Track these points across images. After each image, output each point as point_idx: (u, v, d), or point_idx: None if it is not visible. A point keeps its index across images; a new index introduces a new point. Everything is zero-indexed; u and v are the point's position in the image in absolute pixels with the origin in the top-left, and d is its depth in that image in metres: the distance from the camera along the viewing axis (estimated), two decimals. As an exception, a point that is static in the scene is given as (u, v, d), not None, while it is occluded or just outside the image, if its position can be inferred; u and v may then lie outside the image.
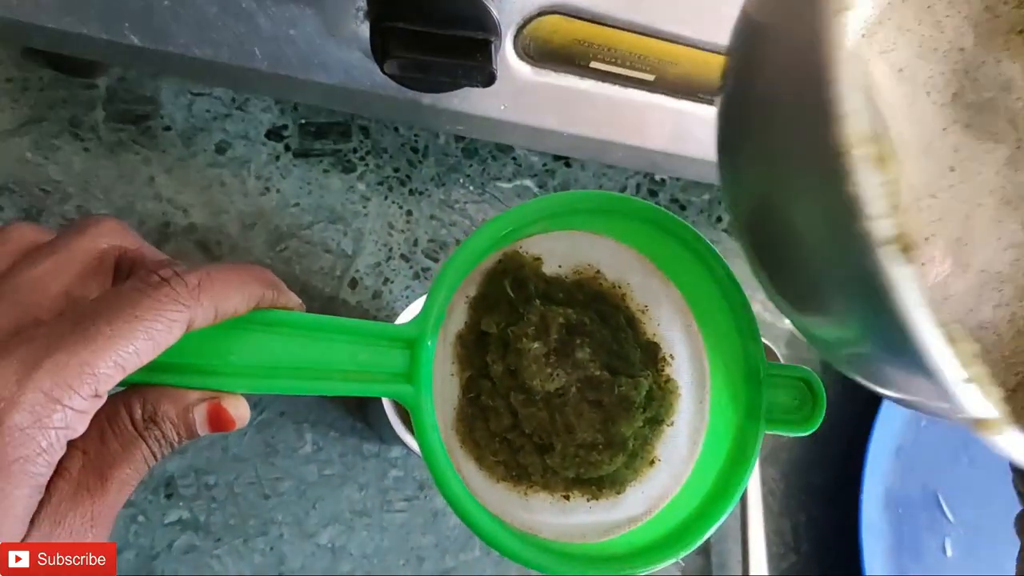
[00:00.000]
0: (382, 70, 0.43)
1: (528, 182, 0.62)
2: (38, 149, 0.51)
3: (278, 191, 0.56)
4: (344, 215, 0.57)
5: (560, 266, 0.39)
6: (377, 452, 0.55)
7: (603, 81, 0.50)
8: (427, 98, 0.49)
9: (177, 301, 0.27)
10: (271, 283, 0.31)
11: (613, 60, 0.48)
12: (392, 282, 0.57)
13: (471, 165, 0.61)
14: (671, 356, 0.40)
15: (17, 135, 0.51)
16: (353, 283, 0.57)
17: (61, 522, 0.27)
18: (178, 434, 0.30)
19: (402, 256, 0.58)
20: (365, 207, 0.57)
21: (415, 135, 0.59)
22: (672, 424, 0.39)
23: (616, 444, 0.37)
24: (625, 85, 0.50)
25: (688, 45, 0.48)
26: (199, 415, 0.30)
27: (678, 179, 0.66)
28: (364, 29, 0.44)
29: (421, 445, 0.33)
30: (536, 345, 0.37)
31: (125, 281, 0.29)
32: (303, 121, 0.57)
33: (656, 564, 0.35)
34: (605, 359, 0.38)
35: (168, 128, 0.54)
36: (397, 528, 0.55)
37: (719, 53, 0.48)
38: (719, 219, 0.67)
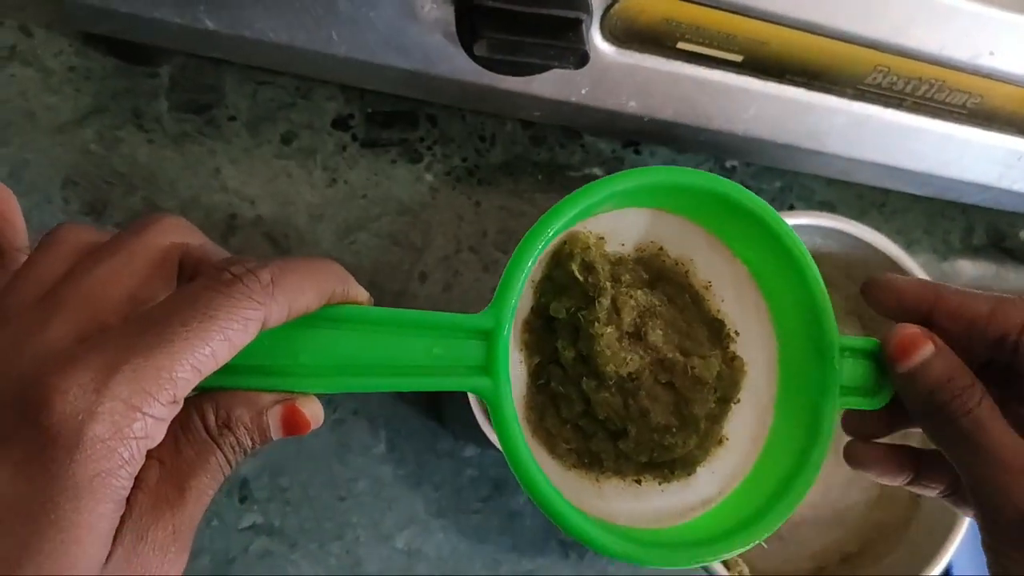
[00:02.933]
0: (470, 53, 0.41)
1: (597, 170, 0.60)
2: (102, 140, 0.50)
3: (345, 182, 0.54)
4: (412, 206, 0.55)
5: (623, 244, 0.38)
6: (451, 451, 0.53)
7: (689, 62, 0.48)
8: (506, 83, 0.47)
9: (251, 299, 0.25)
10: (341, 277, 0.29)
11: (701, 40, 0.46)
12: (462, 275, 0.56)
13: (539, 153, 0.59)
14: (736, 333, 0.39)
15: (80, 126, 0.49)
16: (423, 276, 0.55)
17: (144, 537, 0.25)
18: (252, 439, 0.28)
19: (471, 248, 0.56)
20: (433, 198, 0.56)
21: (482, 123, 0.57)
22: (739, 402, 0.38)
23: (690, 426, 0.36)
24: (711, 67, 0.48)
25: (780, 24, 0.45)
26: (273, 418, 0.28)
27: (749, 165, 0.64)
28: (446, 11, 0.42)
29: (502, 439, 0.31)
30: (609, 330, 0.35)
31: (190, 280, 0.27)
32: (369, 110, 0.55)
33: (738, 548, 0.34)
34: (676, 340, 0.37)
35: (233, 118, 0.52)
36: (473, 529, 0.53)
37: (811, 32, 0.46)
38: (791, 207, 0.65)
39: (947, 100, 0.51)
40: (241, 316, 0.25)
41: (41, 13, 0.49)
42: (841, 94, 0.50)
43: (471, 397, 0.44)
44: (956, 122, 0.53)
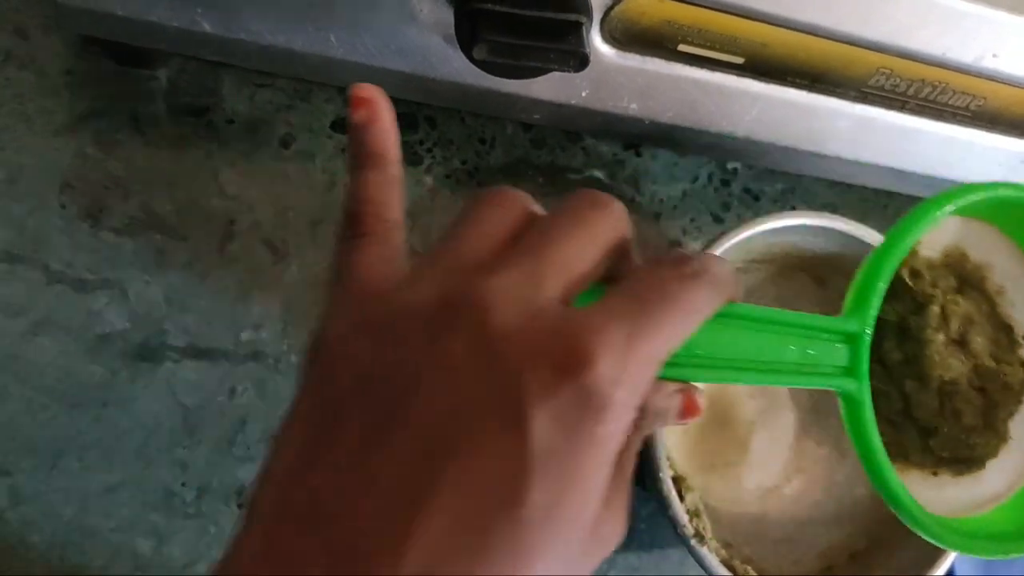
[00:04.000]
0: (469, 56, 0.40)
1: (598, 172, 0.60)
2: (99, 144, 0.49)
3: (345, 185, 0.53)
4: (411, 210, 0.55)
5: (933, 249, 0.40)
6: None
7: (690, 65, 0.47)
8: (506, 85, 0.47)
9: (714, 294, 0.27)
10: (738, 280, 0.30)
11: (702, 43, 0.46)
12: (462, 279, 0.55)
13: (539, 156, 0.58)
14: (1023, 338, 0.40)
15: (78, 129, 0.49)
16: (422, 280, 0.54)
17: (611, 502, 0.26)
18: (658, 423, 0.29)
19: (471, 251, 0.56)
20: (433, 201, 0.55)
21: (482, 125, 0.57)
22: (1022, 402, 0.39)
23: (994, 429, 0.39)
24: (713, 69, 0.48)
25: (782, 26, 0.45)
26: (675, 404, 0.29)
27: (751, 167, 0.64)
28: (445, 13, 0.42)
29: (860, 439, 0.33)
30: (940, 337, 0.38)
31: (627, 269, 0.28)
32: (368, 112, 0.54)
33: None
34: (990, 348, 0.39)
35: (231, 121, 0.52)
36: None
37: (813, 34, 0.46)
38: (793, 208, 0.65)
39: (950, 102, 0.51)
40: (709, 308, 0.27)
41: (37, 16, 0.49)
42: (843, 96, 0.50)
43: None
44: (959, 124, 0.53)
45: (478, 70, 0.42)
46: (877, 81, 0.49)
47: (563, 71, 0.41)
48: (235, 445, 0.49)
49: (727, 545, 0.53)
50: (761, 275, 0.58)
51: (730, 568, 0.49)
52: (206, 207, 0.50)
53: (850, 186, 0.65)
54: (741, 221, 0.51)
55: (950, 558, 0.51)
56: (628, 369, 0.24)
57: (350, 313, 0.26)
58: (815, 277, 0.58)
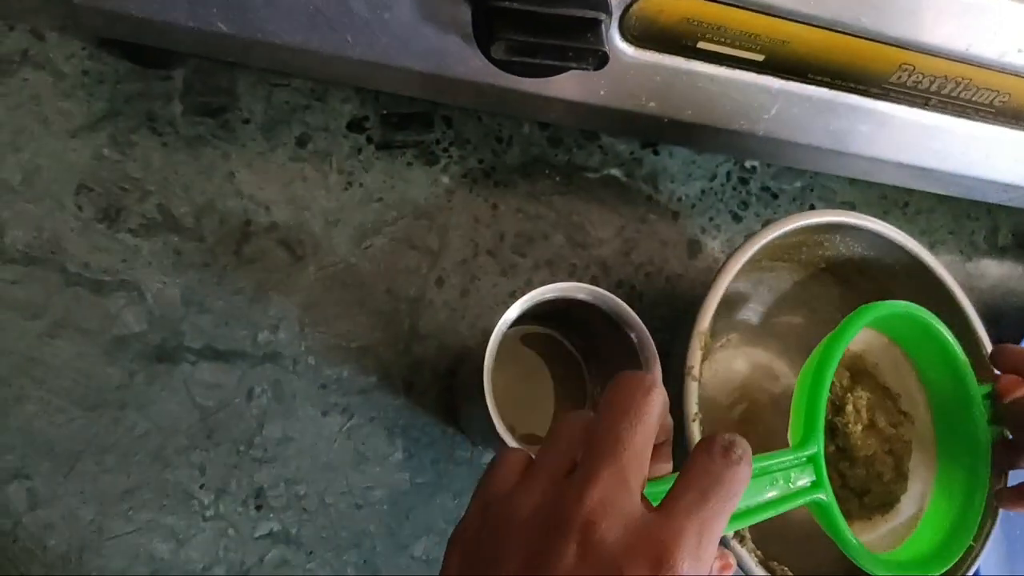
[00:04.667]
0: (487, 55, 0.40)
1: (615, 171, 0.59)
2: (116, 145, 0.49)
3: (361, 185, 0.53)
4: (428, 210, 0.54)
5: None
6: (469, 458, 0.53)
7: (709, 62, 0.47)
8: (523, 84, 0.46)
9: (750, 469, 0.32)
10: None
11: (722, 40, 0.45)
12: (479, 279, 0.55)
13: (556, 154, 0.58)
14: (898, 395, 0.52)
15: (94, 131, 0.49)
16: (440, 281, 0.54)
17: None
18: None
19: (488, 252, 0.55)
20: (450, 201, 0.55)
21: (499, 124, 0.57)
22: (912, 444, 0.52)
23: (904, 475, 0.51)
24: (732, 66, 0.47)
25: (802, 22, 0.45)
26: (716, 567, 0.35)
27: (769, 165, 0.63)
28: (462, 12, 0.42)
29: (842, 537, 0.40)
30: (858, 428, 0.50)
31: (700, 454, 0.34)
32: (384, 111, 0.54)
33: (950, 563, 0.46)
34: (887, 417, 0.51)
35: (247, 121, 0.51)
36: (492, 537, 0.52)
37: (834, 30, 0.45)
38: (811, 207, 0.64)
39: (973, 99, 0.50)
40: (748, 482, 0.32)
41: (53, 16, 0.49)
42: (865, 93, 0.49)
43: (490, 405, 0.43)
44: (982, 121, 0.52)
45: (496, 69, 0.42)
46: (899, 78, 0.48)
47: (582, 69, 0.41)
48: (253, 447, 0.49)
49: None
50: (785, 275, 0.57)
51: (768, 569, 0.48)
52: (222, 208, 0.50)
53: (869, 184, 0.64)
54: (768, 222, 0.50)
55: (978, 560, 0.51)
56: (700, 561, 0.30)
57: (474, 515, 0.33)
58: (838, 277, 0.57)
